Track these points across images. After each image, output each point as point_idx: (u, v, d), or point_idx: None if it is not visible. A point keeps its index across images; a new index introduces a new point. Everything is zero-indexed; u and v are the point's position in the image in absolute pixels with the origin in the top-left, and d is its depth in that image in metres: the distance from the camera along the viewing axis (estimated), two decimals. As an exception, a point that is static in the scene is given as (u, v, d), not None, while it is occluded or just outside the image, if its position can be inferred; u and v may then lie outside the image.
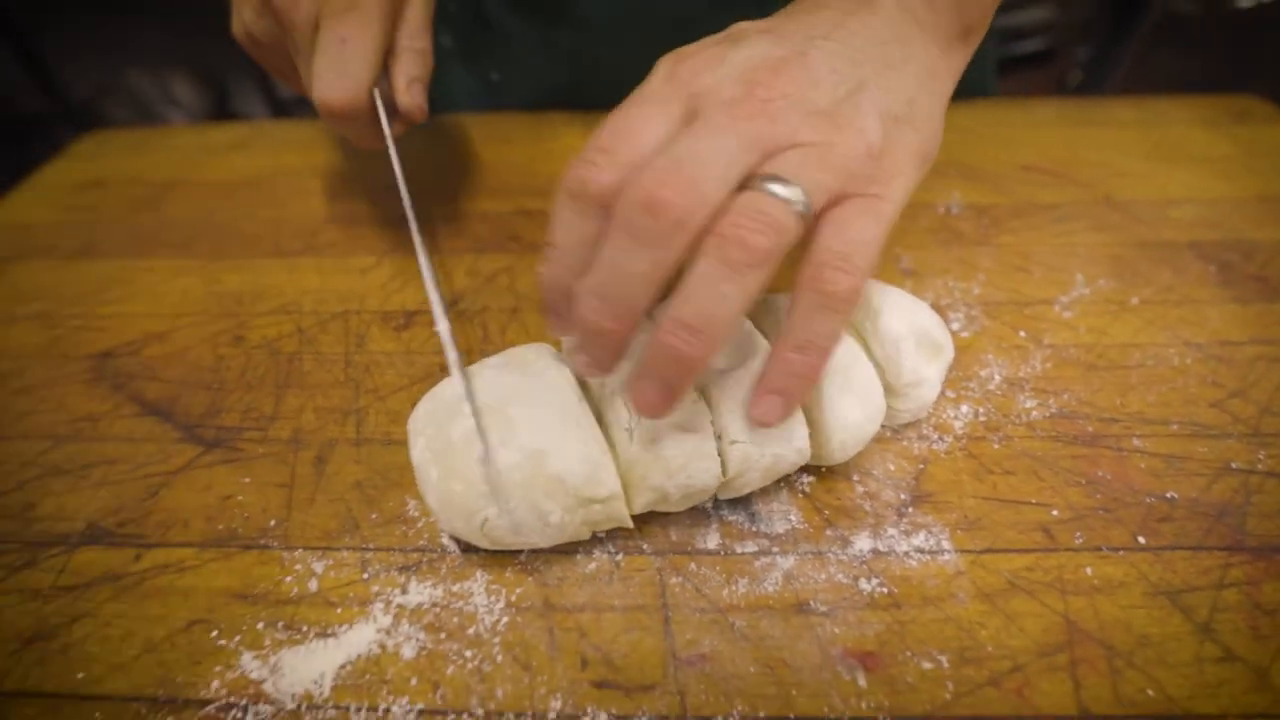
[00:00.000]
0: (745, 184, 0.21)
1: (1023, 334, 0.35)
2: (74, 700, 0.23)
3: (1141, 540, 0.26)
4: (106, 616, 0.25)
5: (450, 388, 0.26)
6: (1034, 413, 0.31)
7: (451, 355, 0.26)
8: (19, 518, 0.29)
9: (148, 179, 0.50)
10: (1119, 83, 1.40)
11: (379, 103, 0.33)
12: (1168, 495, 0.28)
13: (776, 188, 0.20)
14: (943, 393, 0.32)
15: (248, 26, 0.34)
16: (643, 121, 0.22)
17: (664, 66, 0.23)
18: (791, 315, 0.22)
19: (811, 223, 0.21)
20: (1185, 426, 0.30)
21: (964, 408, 0.31)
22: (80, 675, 0.24)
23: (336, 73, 0.30)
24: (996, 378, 0.32)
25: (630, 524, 0.26)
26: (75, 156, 0.54)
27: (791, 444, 0.25)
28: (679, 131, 0.21)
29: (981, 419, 0.31)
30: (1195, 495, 0.28)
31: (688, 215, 0.19)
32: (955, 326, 0.35)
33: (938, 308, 0.36)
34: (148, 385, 0.34)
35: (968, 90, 0.53)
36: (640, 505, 0.25)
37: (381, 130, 0.34)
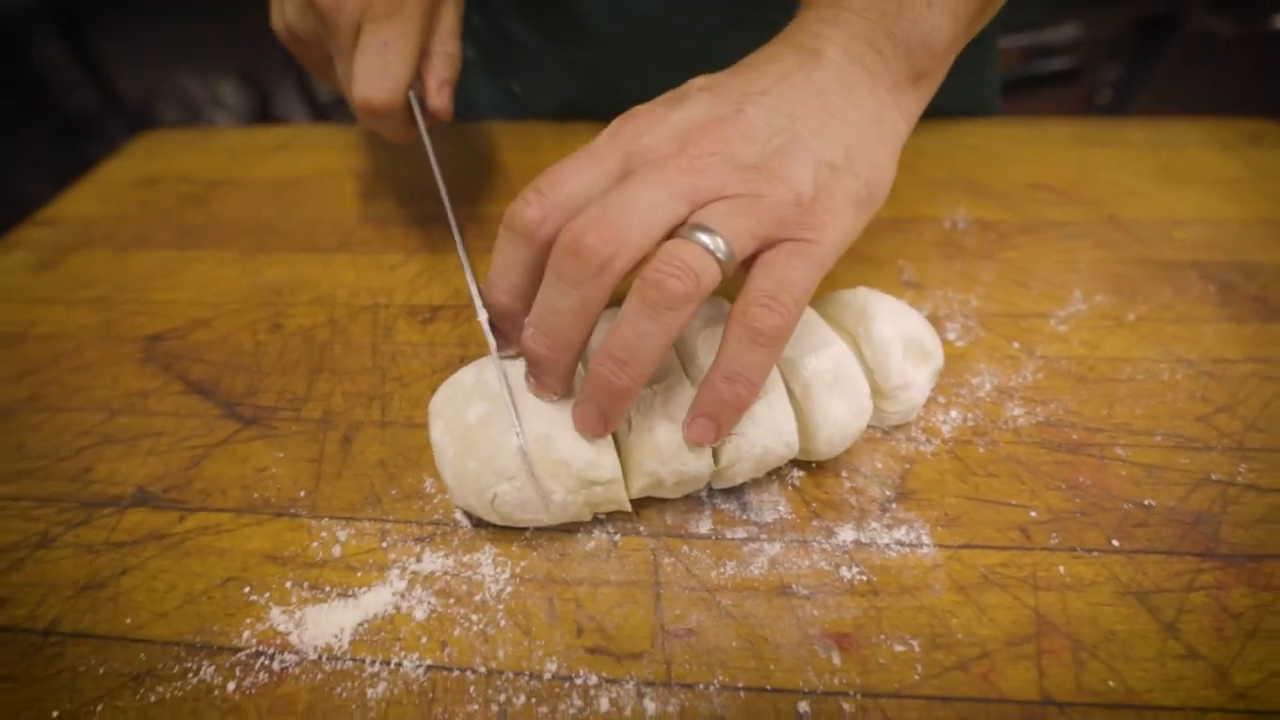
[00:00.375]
0: (673, 233, 0.23)
1: (1016, 345, 0.36)
2: (122, 642, 0.26)
3: (1116, 543, 0.27)
4: (152, 570, 0.28)
5: (468, 375, 0.29)
6: (1021, 420, 0.32)
7: (491, 341, 0.28)
8: (77, 480, 0.32)
9: (197, 177, 0.54)
10: (1148, 102, 1.39)
11: (414, 102, 0.36)
12: (1145, 502, 0.29)
13: (699, 236, 0.22)
14: (933, 398, 0.33)
15: (289, 23, 0.36)
16: (576, 170, 0.24)
17: (614, 124, 0.26)
18: (722, 347, 0.24)
19: (735, 268, 0.23)
20: (1169, 438, 0.31)
21: (953, 413, 0.32)
22: (128, 621, 0.26)
23: (379, 74, 0.33)
24: (987, 385, 0.34)
25: (628, 507, 0.28)
26: (131, 155, 0.58)
27: (780, 438, 0.27)
28: (612, 185, 0.23)
29: (969, 424, 0.32)
30: (1173, 503, 0.29)
31: (610, 259, 0.22)
32: (951, 336, 0.37)
33: (935, 318, 0.38)
34: (193, 366, 0.37)
35: (971, 110, 0.55)
36: (637, 489, 0.27)
37: (412, 125, 0.36)
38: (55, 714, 0.24)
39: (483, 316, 0.30)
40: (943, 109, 0.54)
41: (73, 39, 1.17)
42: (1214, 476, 0.30)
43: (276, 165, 0.54)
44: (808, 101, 0.25)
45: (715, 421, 0.24)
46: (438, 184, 0.35)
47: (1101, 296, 0.39)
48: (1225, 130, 0.54)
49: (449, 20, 0.37)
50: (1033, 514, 0.28)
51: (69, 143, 1.19)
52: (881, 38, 0.26)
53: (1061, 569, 0.27)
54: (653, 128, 0.25)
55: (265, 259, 0.45)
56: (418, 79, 0.36)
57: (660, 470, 0.26)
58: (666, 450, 0.26)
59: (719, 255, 0.22)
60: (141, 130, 0.61)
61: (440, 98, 0.36)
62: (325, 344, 0.38)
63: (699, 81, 0.26)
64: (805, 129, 0.24)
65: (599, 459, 0.26)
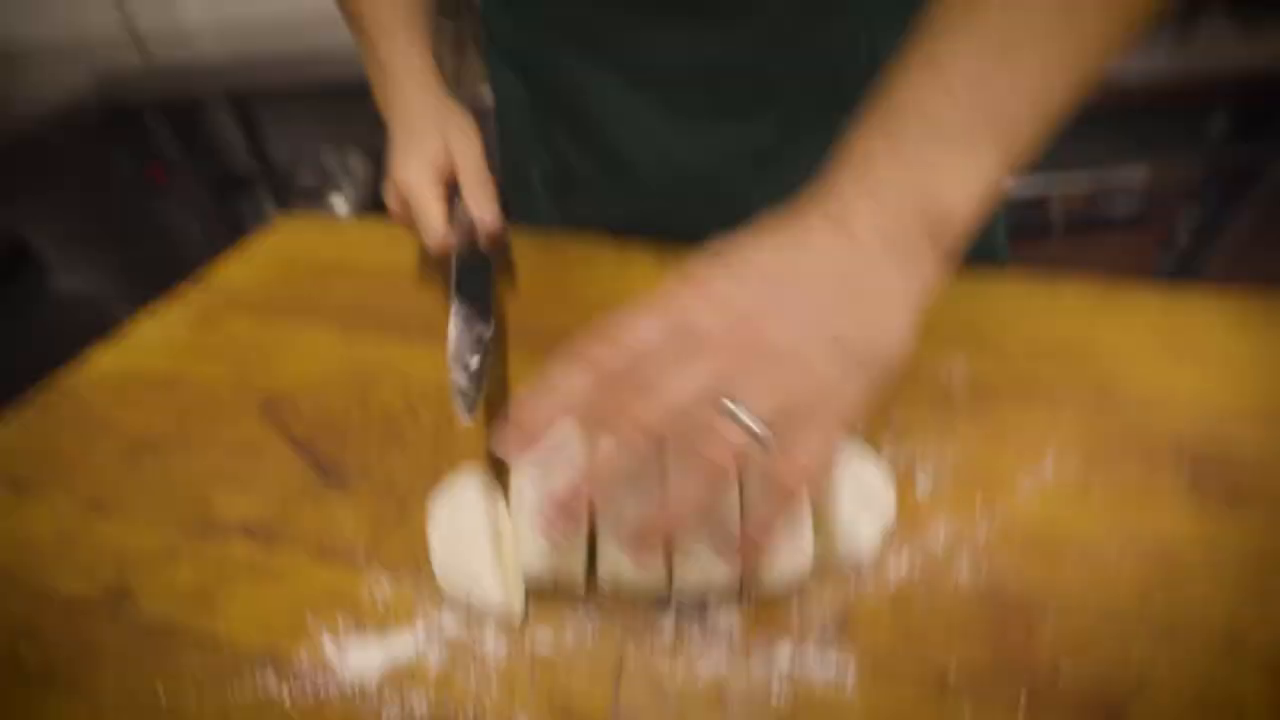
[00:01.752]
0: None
1: (979, 503, 0.40)
2: (214, 644, 0.34)
3: (1023, 701, 0.31)
4: (243, 588, 0.36)
5: (465, 481, 0.37)
6: (964, 575, 0.36)
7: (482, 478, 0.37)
8: (200, 504, 0.41)
9: (321, 260, 0.66)
10: (1230, 256, 1.35)
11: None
12: (1061, 668, 0.32)
13: (729, 405, 0.26)
14: (887, 543, 0.38)
15: (390, 205, 0.53)
16: (630, 329, 0.28)
17: (665, 296, 0.29)
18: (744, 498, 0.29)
19: (765, 438, 0.26)
20: (1100, 612, 0.34)
21: (904, 559, 0.37)
22: (221, 626, 0.35)
23: (427, 235, 0.50)
24: (941, 538, 0.38)
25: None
26: (275, 232, 0.72)
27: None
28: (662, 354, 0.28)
29: (916, 573, 0.36)
30: (1089, 671, 0.32)
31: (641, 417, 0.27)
32: (918, 485, 0.41)
33: (908, 467, 0.42)
34: (296, 424, 0.47)
35: (978, 258, 0.59)
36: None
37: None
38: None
39: (464, 417, 0.39)
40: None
41: (241, 113, 1.42)
42: (1135, 655, 0.33)
43: (385, 257, 0.66)
44: (836, 286, 0.28)
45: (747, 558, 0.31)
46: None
47: (1073, 466, 0.42)
48: (1244, 306, 0.55)
49: (470, 169, 0.52)
50: (953, 663, 0.32)
51: (227, 197, 1.43)
52: (908, 212, 0.29)
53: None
54: (702, 303, 0.28)
55: (362, 339, 0.55)
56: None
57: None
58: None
59: (754, 427, 0.26)
60: (283, 191, 0.76)
61: (485, 227, 0.52)
62: (397, 421, 0.47)
63: (743, 247, 0.29)
64: (832, 315, 0.28)
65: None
